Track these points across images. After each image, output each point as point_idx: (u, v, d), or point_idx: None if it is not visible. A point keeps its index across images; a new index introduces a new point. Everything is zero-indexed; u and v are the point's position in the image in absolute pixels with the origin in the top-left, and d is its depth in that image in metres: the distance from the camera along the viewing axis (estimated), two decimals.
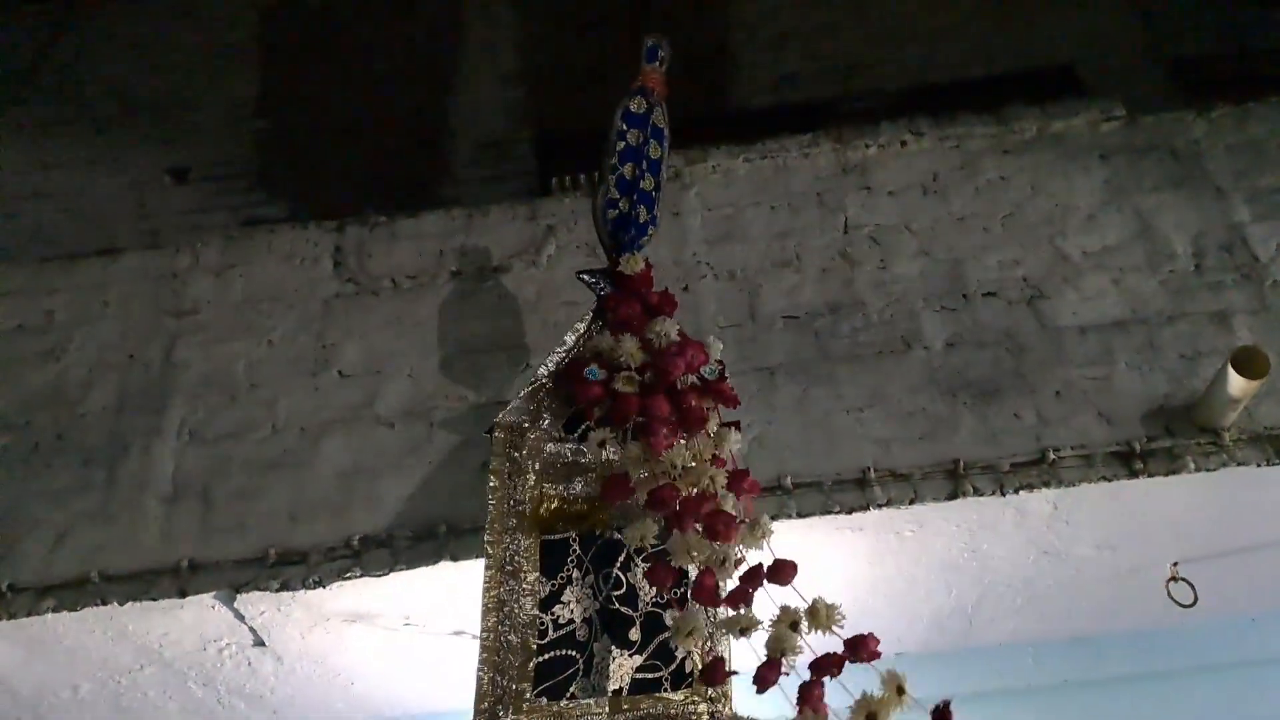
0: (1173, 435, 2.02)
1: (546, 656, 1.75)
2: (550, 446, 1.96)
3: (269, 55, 4.12)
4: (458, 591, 2.07)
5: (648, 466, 1.77)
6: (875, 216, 2.41)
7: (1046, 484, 2.00)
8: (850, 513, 2.00)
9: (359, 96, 3.93)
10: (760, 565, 1.65)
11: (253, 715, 2.40)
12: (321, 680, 2.27)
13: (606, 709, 1.70)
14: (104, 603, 2.02)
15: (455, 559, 2.02)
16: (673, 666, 1.74)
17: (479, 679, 1.71)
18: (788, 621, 1.58)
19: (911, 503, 2.00)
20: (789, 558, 1.66)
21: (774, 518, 1.97)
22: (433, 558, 2.03)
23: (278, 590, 2.02)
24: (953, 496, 2.00)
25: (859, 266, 2.35)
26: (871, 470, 2.03)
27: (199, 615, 2.06)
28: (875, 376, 2.17)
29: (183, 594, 2.02)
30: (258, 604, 2.05)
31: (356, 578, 2.02)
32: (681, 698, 1.71)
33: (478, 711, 1.69)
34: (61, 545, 2.11)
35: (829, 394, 2.16)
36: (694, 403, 1.85)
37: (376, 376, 2.29)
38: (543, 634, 1.77)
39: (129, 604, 2.02)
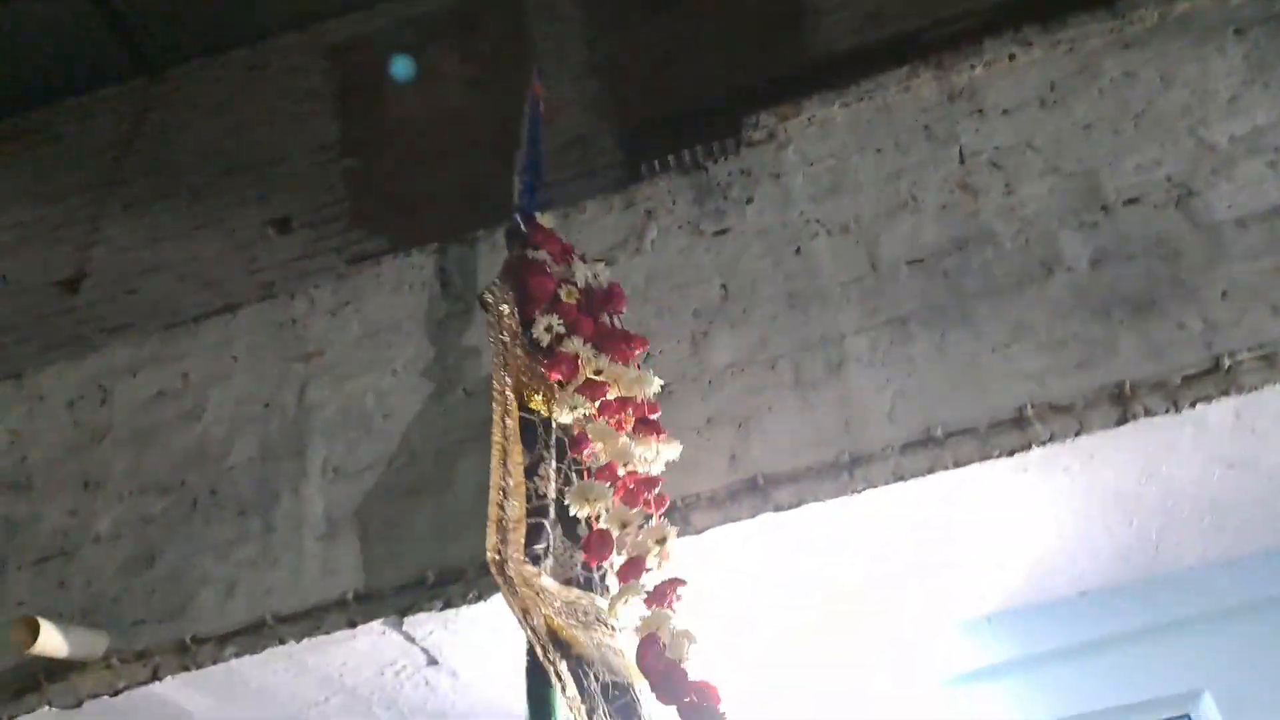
0: None
1: (532, 521, 1.85)
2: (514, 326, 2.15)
3: (344, 95, 4.28)
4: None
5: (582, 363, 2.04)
6: (992, 140, 2.37)
7: (1225, 393, 1.93)
8: (1011, 455, 1.98)
9: (438, 120, 4.05)
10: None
11: None
12: (498, 689, 2.36)
13: (559, 596, 1.78)
14: (281, 642, 2.15)
15: None
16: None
17: (486, 538, 1.77)
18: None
19: (1077, 435, 1.96)
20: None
21: (929, 470, 1.99)
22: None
23: (441, 609, 2.11)
24: (1122, 422, 1.96)
25: (982, 196, 2.32)
26: (1029, 407, 2.00)
27: (371, 643, 2.17)
28: (1017, 309, 2.13)
29: (352, 624, 2.13)
30: (425, 624, 2.15)
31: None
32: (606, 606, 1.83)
33: (489, 563, 1.75)
34: (233, 594, 2.25)
35: (969, 335, 2.13)
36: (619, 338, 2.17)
37: None
38: (528, 499, 1.88)
39: (304, 640, 2.14)
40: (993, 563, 2.28)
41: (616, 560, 1.86)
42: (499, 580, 1.72)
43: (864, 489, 2.01)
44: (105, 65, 4.44)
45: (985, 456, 1.97)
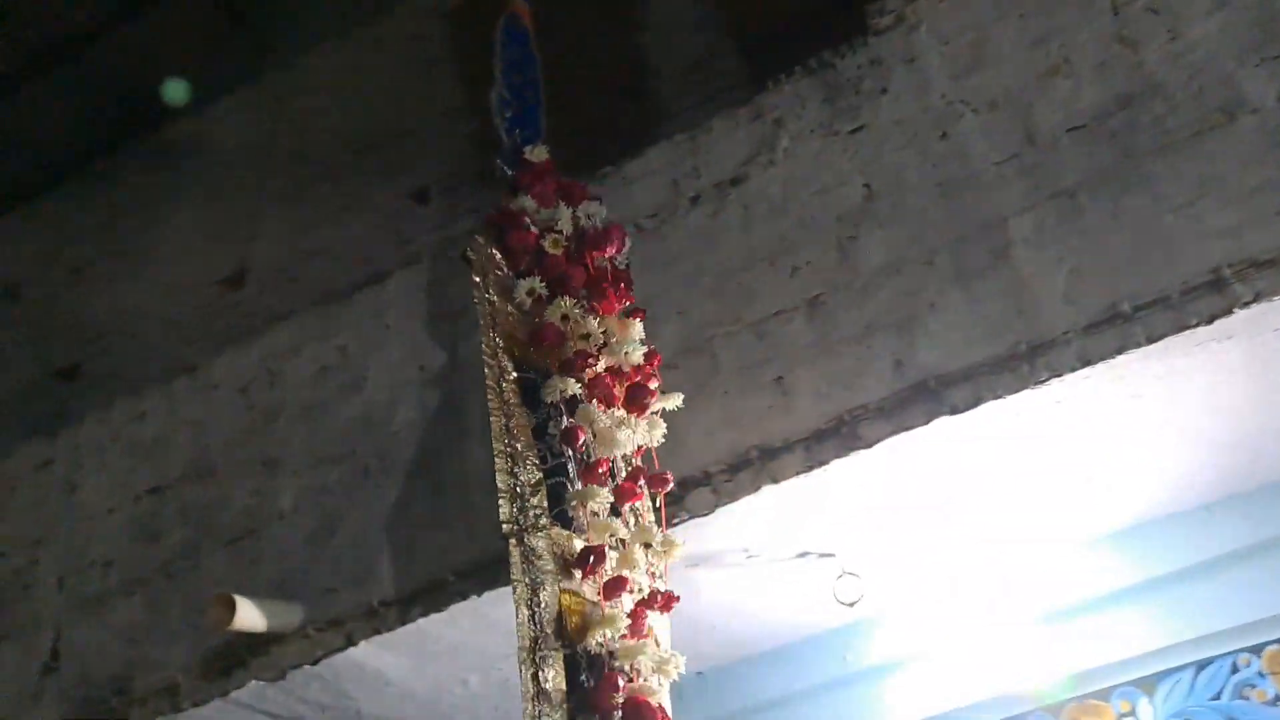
0: None
1: (551, 481, 1.82)
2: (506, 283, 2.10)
3: (464, 58, 4.28)
4: (787, 512, 2.05)
5: (569, 327, 1.99)
6: None
7: None
8: (1211, 321, 1.79)
9: (559, 69, 3.99)
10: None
11: None
12: (683, 630, 2.32)
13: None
14: (464, 598, 2.18)
15: (775, 480, 2.01)
16: None
17: (499, 510, 1.77)
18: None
19: None
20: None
21: (1119, 350, 1.83)
22: (752, 486, 2.03)
23: None
24: None
25: (1144, 46, 2.09)
26: (1225, 267, 1.80)
27: None
28: (1198, 162, 1.92)
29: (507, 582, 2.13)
30: None
31: (684, 522, 2.05)
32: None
33: (505, 536, 1.75)
34: (412, 555, 2.29)
35: (1147, 198, 1.94)
36: (608, 284, 2.09)
37: (649, 323, 2.31)
38: (543, 460, 1.84)
39: (485, 594, 2.16)
40: (1178, 454, 2.11)
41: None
42: (514, 552, 1.68)
43: (1047, 379, 1.86)
44: (236, 64, 4.57)
45: (1182, 327, 1.79)
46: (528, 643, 1.63)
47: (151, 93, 4.56)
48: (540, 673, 1.61)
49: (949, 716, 2.42)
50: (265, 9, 4.44)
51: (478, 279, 2.06)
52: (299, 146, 4.39)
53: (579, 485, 1.84)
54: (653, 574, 1.86)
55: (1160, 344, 1.80)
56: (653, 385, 2.02)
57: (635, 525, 1.88)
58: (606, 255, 2.17)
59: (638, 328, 2.07)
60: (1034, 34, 2.21)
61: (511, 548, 1.72)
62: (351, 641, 2.26)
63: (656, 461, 2.01)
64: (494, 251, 2.13)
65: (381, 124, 4.24)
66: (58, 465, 2.90)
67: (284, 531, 2.47)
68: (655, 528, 1.88)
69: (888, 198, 2.20)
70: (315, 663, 2.28)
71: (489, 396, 1.90)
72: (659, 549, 1.84)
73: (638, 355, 2.02)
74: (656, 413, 2.03)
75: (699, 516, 2.06)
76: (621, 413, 1.97)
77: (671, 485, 1.97)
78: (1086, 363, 1.84)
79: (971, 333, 1.97)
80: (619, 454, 1.92)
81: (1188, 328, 1.79)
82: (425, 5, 4.41)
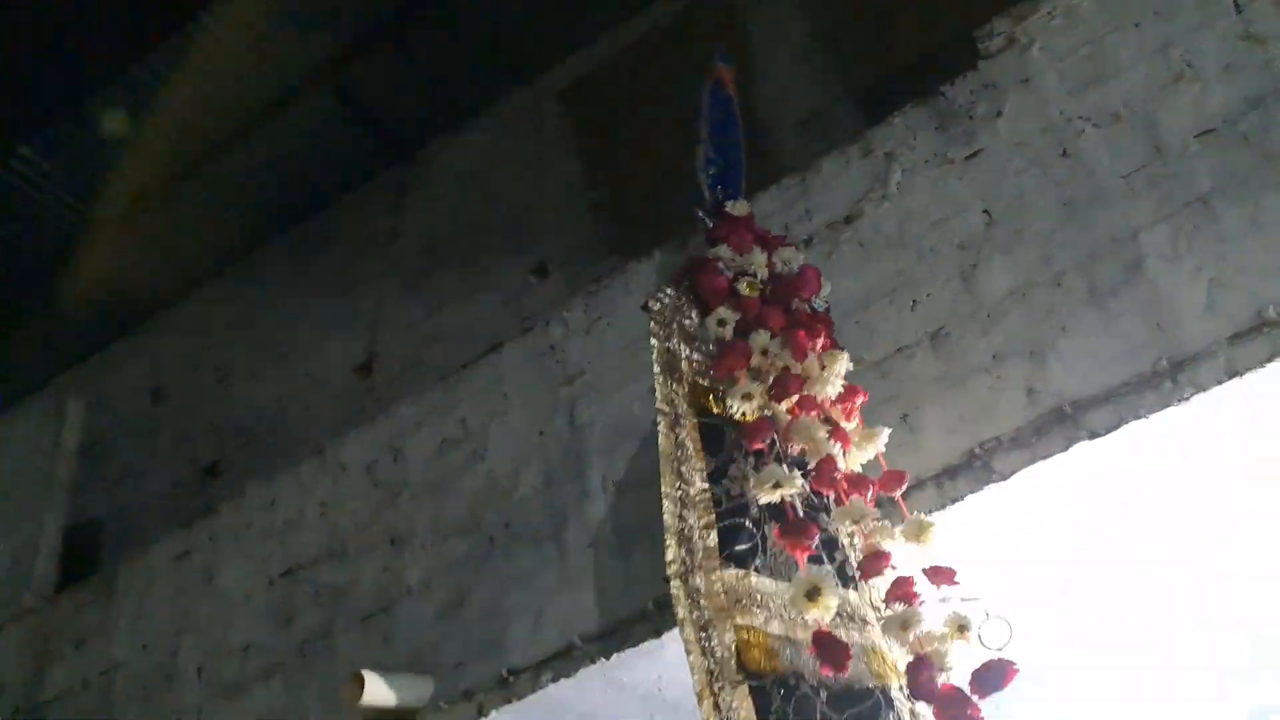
0: None
1: (725, 524, 1.82)
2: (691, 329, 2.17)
3: (579, 134, 4.45)
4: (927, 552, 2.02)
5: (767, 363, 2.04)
6: None
7: None
8: None
9: (670, 133, 4.11)
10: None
11: None
12: None
13: (790, 593, 1.71)
14: (592, 661, 2.21)
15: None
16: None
17: (666, 551, 1.79)
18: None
19: None
20: None
21: (1269, 358, 1.76)
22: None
23: None
24: None
25: (1273, 42, 2.05)
26: None
27: (680, 651, 2.16)
28: None
29: (658, 633, 2.15)
30: None
31: None
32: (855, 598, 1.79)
33: (670, 577, 1.75)
34: (541, 622, 2.34)
35: None
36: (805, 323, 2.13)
37: None
38: (718, 503, 1.85)
39: (614, 656, 2.18)
40: None
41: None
42: (679, 590, 1.69)
43: (1191, 395, 1.80)
44: (362, 159, 4.86)
45: None
46: (705, 676, 1.66)
47: (284, 195, 4.90)
48: (720, 702, 1.63)
49: None
50: (387, 104, 4.71)
51: (656, 327, 2.16)
52: (423, 234, 4.63)
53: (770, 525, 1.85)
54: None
55: None
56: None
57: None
58: (805, 297, 2.22)
59: (839, 363, 2.05)
60: (1153, 42, 2.19)
61: (676, 588, 1.75)
62: (483, 712, 2.31)
63: (884, 464, 1.99)
64: (682, 298, 2.24)
65: (503, 205, 4.44)
66: (195, 555, 3.09)
67: (413, 606, 2.56)
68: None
69: (1009, 222, 2.18)
70: None
71: (660, 441, 1.95)
72: (911, 532, 1.84)
73: (835, 387, 2.02)
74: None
75: None
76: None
77: (906, 480, 1.95)
78: (1234, 374, 1.77)
79: (1108, 353, 1.93)
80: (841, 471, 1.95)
81: None
82: (539, 91, 4.62)
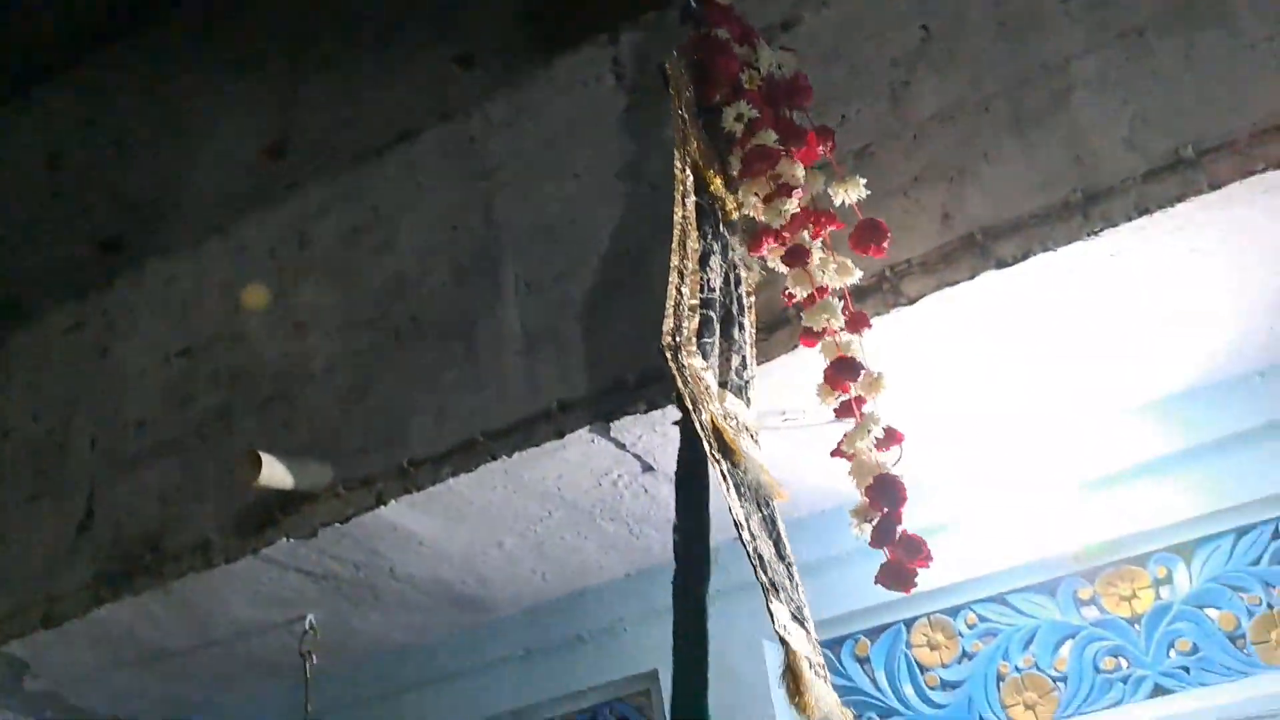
0: None
1: (702, 314, 1.88)
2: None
3: None
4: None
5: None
6: None
7: None
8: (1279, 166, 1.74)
9: None
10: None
11: (668, 541, 2.58)
12: (716, 499, 2.38)
13: (716, 396, 1.81)
14: (494, 458, 2.25)
15: None
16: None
17: (664, 321, 1.82)
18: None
19: None
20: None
21: (1178, 199, 1.80)
22: (788, 344, 2.05)
23: (646, 411, 2.13)
24: None
25: None
26: None
27: (582, 452, 2.23)
28: None
29: (560, 434, 2.19)
30: (632, 429, 2.18)
31: None
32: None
33: (663, 349, 1.78)
34: (444, 417, 2.37)
35: (1223, 35, 1.88)
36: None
37: None
38: (701, 289, 1.90)
39: (515, 454, 2.22)
40: (1235, 316, 2.08)
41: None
42: (671, 366, 1.71)
43: (1101, 229, 1.84)
44: None
45: (1248, 172, 1.75)
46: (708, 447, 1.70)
47: None
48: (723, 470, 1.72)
49: (984, 581, 2.46)
50: None
51: (674, 91, 2.12)
52: (342, 9, 4.40)
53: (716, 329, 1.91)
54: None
55: (1223, 191, 1.76)
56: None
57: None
58: (799, 105, 2.15)
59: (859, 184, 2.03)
60: None
61: (669, 362, 1.76)
62: (382, 501, 2.35)
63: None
64: (685, 75, 2.19)
65: None
66: (89, 328, 3.03)
67: (315, 394, 2.56)
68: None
69: (945, 40, 2.15)
70: (346, 521, 2.38)
71: (675, 208, 1.94)
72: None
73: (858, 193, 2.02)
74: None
75: None
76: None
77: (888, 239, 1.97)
78: (1144, 212, 1.80)
79: (1024, 183, 1.94)
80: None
81: (1254, 173, 1.74)
82: None
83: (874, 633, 2.60)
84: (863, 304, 2.01)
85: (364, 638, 2.92)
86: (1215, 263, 1.92)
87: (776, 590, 1.68)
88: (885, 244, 1.94)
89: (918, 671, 2.53)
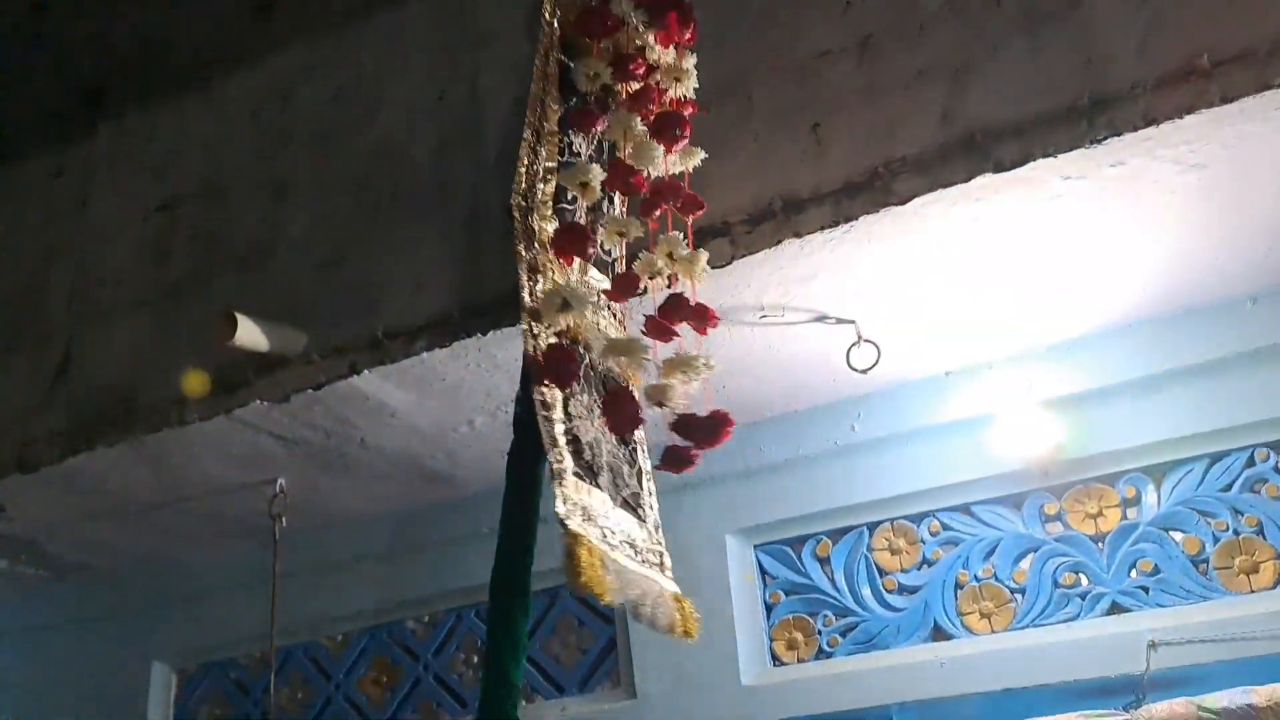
0: None
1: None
2: None
3: None
4: (814, 273, 2.02)
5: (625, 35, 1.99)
6: None
7: None
8: None
9: None
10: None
11: None
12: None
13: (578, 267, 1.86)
14: (468, 335, 2.21)
15: (799, 234, 1.98)
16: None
17: (516, 178, 1.84)
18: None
19: None
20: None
21: (1189, 110, 1.73)
22: (773, 239, 2.00)
23: None
24: None
25: None
26: None
27: None
28: None
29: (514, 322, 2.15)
30: None
31: None
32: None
33: (511, 208, 1.82)
34: (420, 290, 2.32)
35: None
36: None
37: None
38: (562, 152, 1.91)
39: (490, 333, 2.19)
40: (1236, 238, 2.04)
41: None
42: (517, 226, 1.69)
43: (1105, 137, 1.78)
44: None
45: (1264, 86, 1.68)
46: (526, 316, 1.77)
47: None
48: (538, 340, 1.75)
49: (950, 489, 2.47)
50: None
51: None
52: None
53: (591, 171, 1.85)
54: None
55: (1235, 105, 1.69)
56: (686, 128, 1.97)
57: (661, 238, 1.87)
58: None
59: (691, 61, 2.02)
60: None
61: (515, 221, 1.75)
62: (354, 370, 2.32)
63: (688, 185, 1.97)
64: None
65: None
66: (69, 177, 2.97)
67: (292, 258, 2.51)
68: (683, 240, 1.87)
69: None
70: (318, 388, 2.36)
71: (536, 61, 1.89)
72: (684, 260, 1.84)
73: (688, 88, 2.00)
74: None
75: (714, 268, 2.04)
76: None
77: (704, 210, 1.93)
78: (1151, 122, 1.74)
79: (1030, 84, 1.87)
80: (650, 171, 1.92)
81: (1271, 87, 1.67)
82: None
83: (836, 534, 2.61)
84: (853, 201, 1.96)
85: (333, 505, 2.94)
86: (1218, 180, 1.86)
87: (595, 474, 1.72)
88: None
89: (877, 575, 2.55)
